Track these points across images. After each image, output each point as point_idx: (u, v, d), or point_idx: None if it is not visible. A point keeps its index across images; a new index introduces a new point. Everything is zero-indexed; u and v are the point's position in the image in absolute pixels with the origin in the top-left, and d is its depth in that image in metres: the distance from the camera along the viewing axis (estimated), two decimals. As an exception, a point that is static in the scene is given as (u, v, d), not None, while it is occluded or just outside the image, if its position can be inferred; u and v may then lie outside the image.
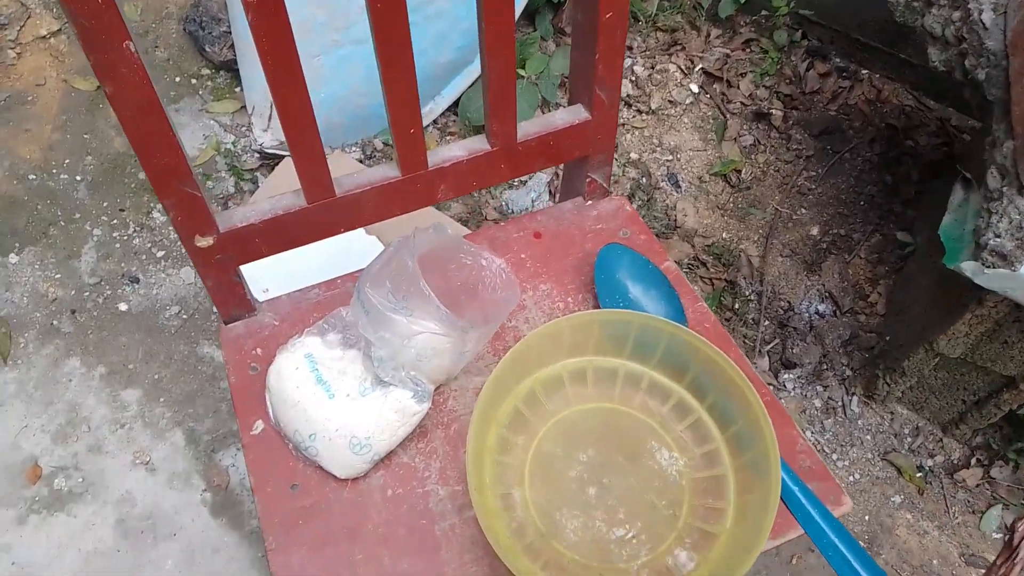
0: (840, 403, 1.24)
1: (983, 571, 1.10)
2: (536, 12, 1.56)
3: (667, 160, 1.47)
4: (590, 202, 0.81)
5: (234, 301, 0.70)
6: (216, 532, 1.07)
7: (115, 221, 1.34)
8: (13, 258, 1.29)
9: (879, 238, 1.38)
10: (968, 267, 0.89)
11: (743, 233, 1.40)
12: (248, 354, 0.69)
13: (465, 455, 0.57)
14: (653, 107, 1.53)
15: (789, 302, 1.32)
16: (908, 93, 1.55)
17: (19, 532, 1.06)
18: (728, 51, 1.60)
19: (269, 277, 1.15)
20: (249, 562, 1.05)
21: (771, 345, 1.29)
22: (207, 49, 1.49)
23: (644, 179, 1.44)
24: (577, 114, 0.72)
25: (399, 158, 0.66)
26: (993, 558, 1.12)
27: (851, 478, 1.18)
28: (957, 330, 1.04)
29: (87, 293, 1.26)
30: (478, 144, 0.70)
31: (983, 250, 0.86)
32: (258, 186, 1.38)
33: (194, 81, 1.53)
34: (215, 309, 0.76)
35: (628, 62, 1.58)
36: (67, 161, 1.41)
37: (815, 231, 1.40)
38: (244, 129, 1.46)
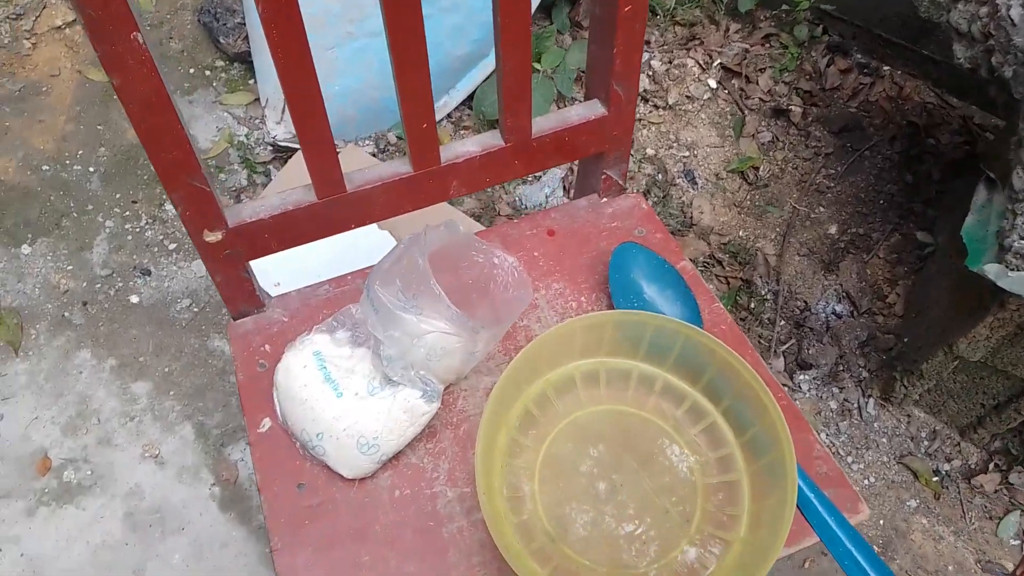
0: (856, 405, 1.22)
1: (1001, 579, 1.08)
2: (553, 5, 1.54)
3: (684, 156, 1.46)
4: (605, 199, 0.79)
5: (243, 297, 0.69)
6: (224, 527, 1.07)
7: (127, 213, 1.34)
8: (26, 249, 1.29)
9: (898, 238, 1.36)
10: (991, 269, 0.87)
11: (760, 231, 1.38)
12: (256, 350, 0.69)
13: (474, 457, 0.56)
14: (670, 102, 1.51)
15: (806, 302, 1.30)
16: (930, 90, 1.52)
17: (28, 524, 1.06)
18: (747, 46, 1.58)
19: (281, 270, 1.14)
20: (257, 557, 1.05)
21: (787, 345, 1.27)
22: (221, 41, 1.49)
23: (660, 175, 1.43)
24: (593, 109, 0.71)
25: (411, 154, 0.65)
26: (1010, 565, 1.10)
27: (866, 481, 1.17)
28: (978, 333, 1.02)
29: (99, 285, 1.26)
30: (492, 140, 0.68)
31: (1007, 252, 0.84)
32: (271, 179, 1.38)
33: (208, 73, 1.52)
34: (225, 304, 0.75)
35: (645, 56, 1.56)
36: (80, 152, 1.40)
37: (833, 230, 1.38)
38: (257, 121, 1.46)
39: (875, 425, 1.21)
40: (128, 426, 1.14)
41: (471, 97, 1.45)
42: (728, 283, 1.32)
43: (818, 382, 1.24)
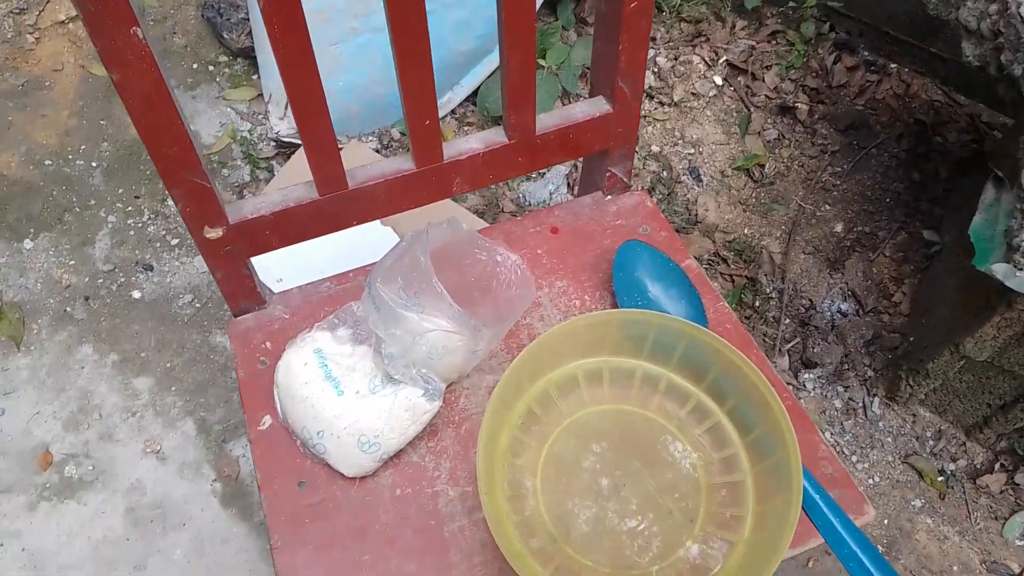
0: (861, 404, 1.22)
1: (1006, 580, 1.07)
2: (558, 1, 1.53)
3: (689, 154, 1.45)
4: (609, 197, 0.79)
5: (244, 293, 0.68)
6: (225, 523, 1.06)
7: (130, 208, 1.34)
8: (28, 244, 1.29)
9: (905, 236, 1.35)
10: (999, 269, 0.86)
11: (765, 229, 1.37)
12: (257, 347, 0.68)
13: (476, 456, 0.56)
14: (676, 99, 1.50)
15: (811, 300, 1.30)
16: (938, 88, 1.51)
17: (29, 519, 1.05)
18: (753, 43, 1.57)
19: (283, 266, 1.14)
20: (258, 553, 1.04)
21: (791, 344, 1.26)
22: (225, 36, 1.48)
23: (665, 172, 1.42)
24: (598, 106, 0.70)
25: (414, 150, 0.64)
26: (1016, 566, 1.10)
27: (870, 481, 1.16)
28: (985, 333, 1.01)
29: (101, 280, 1.26)
30: (495, 136, 0.68)
31: (1015, 252, 0.83)
32: (274, 175, 1.37)
33: (211, 68, 1.52)
34: (226, 300, 0.75)
35: (651, 53, 1.55)
36: (83, 147, 1.40)
37: (839, 228, 1.37)
38: (261, 117, 1.45)
39: (880, 424, 1.20)
40: (130, 421, 1.13)
41: (475, 93, 1.44)
42: (733, 281, 1.31)
43: (823, 381, 1.23)
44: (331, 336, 0.63)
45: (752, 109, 1.50)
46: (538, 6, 1.41)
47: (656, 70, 1.54)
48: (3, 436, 1.12)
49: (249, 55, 1.50)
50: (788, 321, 1.28)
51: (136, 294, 1.25)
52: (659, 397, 0.64)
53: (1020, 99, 0.88)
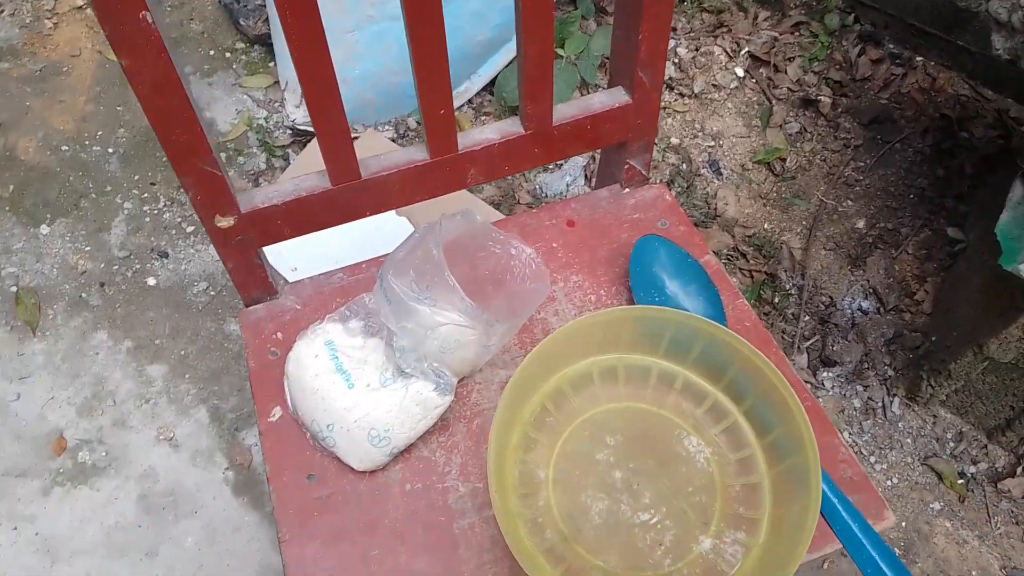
0: (881, 404, 1.20)
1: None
2: (577, -10, 1.51)
3: (709, 146, 1.43)
4: (627, 189, 0.77)
5: (255, 283, 0.68)
6: (237, 511, 1.06)
7: (146, 195, 1.34)
8: (44, 229, 1.29)
9: (928, 234, 1.33)
10: (1027, 269, 0.84)
11: (785, 224, 1.35)
12: (268, 338, 0.68)
13: (487, 453, 0.55)
14: (696, 91, 1.48)
15: (831, 297, 1.28)
16: (964, 82, 1.48)
17: (43, 504, 1.06)
18: (776, 34, 1.54)
19: (298, 255, 1.14)
20: (269, 542, 1.04)
21: (810, 342, 1.24)
22: (242, 23, 1.47)
23: (684, 165, 1.40)
24: (617, 97, 0.69)
25: (428, 140, 0.63)
26: (1038, 573, 1.08)
27: (889, 482, 1.14)
28: (1010, 334, 0.99)
29: (116, 267, 1.26)
30: (511, 127, 0.66)
31: (1044, 252, 0.81)
32: (290, 163, 1.37)
33: (228, 55, 1.51)
34: (238, 289, 0.74)
35: (671, 43, 1.53)
36: (100, 133, 1.40)
37: (861, 224, 1.35)
38: (277, 105, 1.44)
39: (900, 425, 1.18)
40: (143, 408, 1.13)
41: (492, 83, 1.43)
42: (752, 277, 1.30)
43: (842, 380, 1.21)
44: (342, 328, 0.62)
45: (774, 102, 1.47)
46: (558, -5, 1.39)
47: (677, 61, 1.52)
48: (18, 421, 1.12)
49: (266, 42, 1.49)
50: (807, 318, 1.26)
51: (151, 281, 1.25)
52: (675, 396, 0.63)
53: (1052, 94, 0.86)
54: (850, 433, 1.17)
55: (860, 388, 1.20)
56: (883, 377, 1.21)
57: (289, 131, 1.40)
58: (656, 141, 1.41)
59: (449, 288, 0.57)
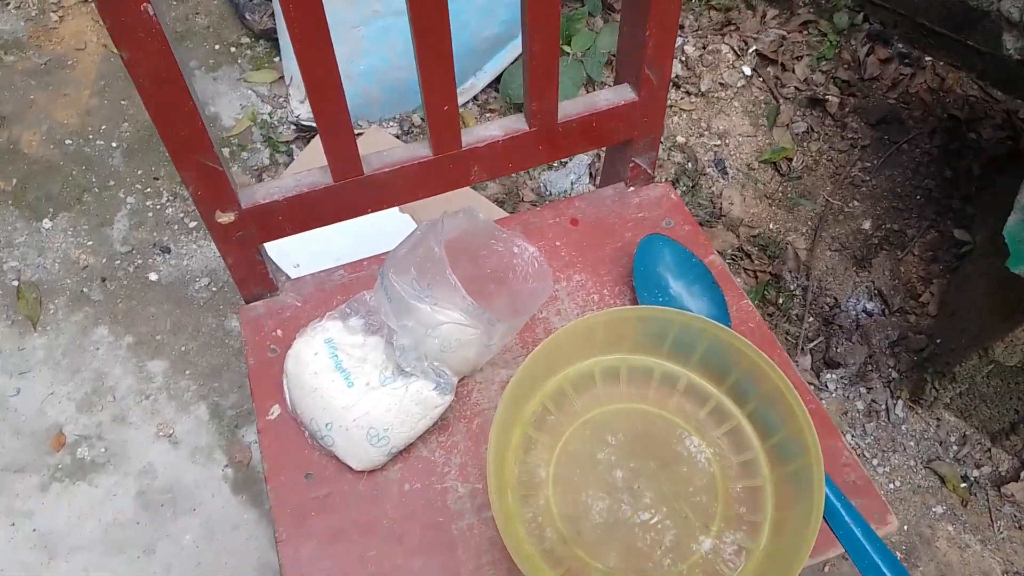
0: (884, 406, 1.19)
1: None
2: (584, -13, 1.51)
3: (715, 145, 1.42)
4: (632, 188, 0.76)
5: (255, 279, 0.67)
6: (236, 509, 1.06)
7: (149, 189, 1.33)
8: (47, 223, 1.29)
9: (935, 235, 1.32)
10: (1035, 272, 0.83)
11: (791, 224, 1.34)
12: (268, 335, 0.67)
13: (487, 453, 0.54)
14: (703, 89, 1.47)
15: (836, 299, 1.27)
16: (973, 83, 1.47)
17: (41, 499, 1.06)
18: (784, 33, 1.54)
19: (300, 252, 1.13)
20: (268, 541, 1.04)
21: (814, 343, 1.23)
22: (247, 17, 1.47)
23: (690, 164, 1.39)
24: (623, 94, 0.68)
25: (431, 136, 0.63)
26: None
27: (891, 485, 1.13)
28: (1016, 337, 0.98)
29: (118, 261, 1.26)
30: (516, 124, 0.66)
31: (1053, 255, 0.80)
32: (293, 159, 1.36)
33: (233, 49, 1.51)
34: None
35: (678, 41, 1.52)
36: (104, 127, 1.40)
37: (867, 225, 1.34)
38: (282, 100, 1.44)
39: (903, 428, 1.17)
40: (143, 404, 1.13)
41: (498, 80, 1.42)
42: (756, 277, 1.29)
43: (845, 381, 1.20)
44: (343, 326, 0.62)
45: (781, 101, 1.46)
46: (564, -8, 1.38)
47: (683, 59, 1.51)
48: (17, 416, 1.12)
49: (271, 37, 1.49)
50: (812, 319, 1.25)
51: (153, 276, 1.24)
52: (678, 397, 0.62)
53: (1062, 96, 0.85)
54: (853, 435, 1.16)
55: (863, 390, 1.20)
56: (887, 379, 1.20)
57: (293, 127, 1.40)
58: (661, 140, 1.40)
59: (450, 286, 0.56)
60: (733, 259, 1.30)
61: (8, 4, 1.54)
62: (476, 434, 0.63)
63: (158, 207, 1.31)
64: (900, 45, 1.52)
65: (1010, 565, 1.08)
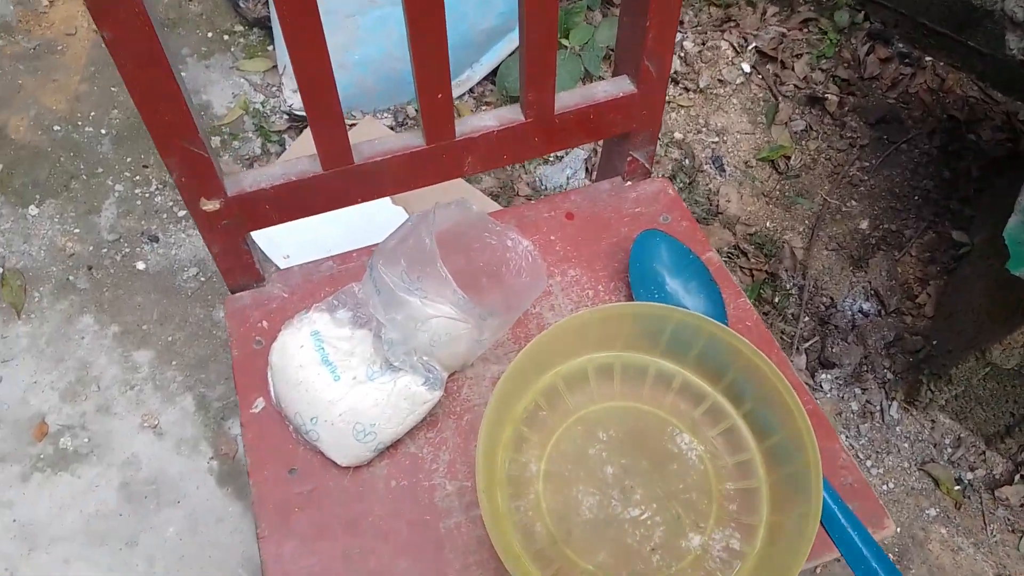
0: (879, 408, 1.18)
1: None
2: (583, -20, 1.49)
3: (712, 142, 1.41)
4: (629, 183, 0.75)
5: (241, 269, 0.65)
6: (221, 501, 1.04)
7: (137, 177, 1.31)
8: (33, 210, 1.27)
9: (932, 236, 1.31)
10: (1035, 275, 0.82)
11: (788, 223, 1.33)
12: (253, 327, 0.65)
13: (476, 451, 0.53)
14: (701, 85, 1.46)
15: (832, 298, 1.26)
16: (974, 83, 1.46)
17: (22, 489, 1.04)
18: (784, 30, 1.52)
19: (290, 242, 1.11)
20: (252, 534, 1.01)
21: (809, 343, 1.22)
22: (241, 5, 1.45)
23: (687, 161, 1.38)
24: (621, 86, 0.66)
25: (424, 125, 0.61)
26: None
27: (885, 487, 1.12)
28: (1014, 340, 0.97)
29: (105, 250, 1.24)
30: (511, 114, 0.64)
31: (1054, 257, 0.79)
32: (285, 148, 1.34)
33: (226, 37, 1.48)
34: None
35: (678, 37, 1.51)
36: (93, 114, 1.37)
37: (864, 225, 1.33)
38: (274, 89, 1.42)
39: (897, 429, 1.16)
40: (128, 395, 1.11)
41: (495, 72, 1.41)
42: (752, 275, 1.27)
43: (840, 382, 1.19)
44: (330, 318, 0.60)
45: (780, 98, 1.45)
46: (562, -16, 1.37)
47: (683, 54, 1.49)
48: None
49: (265, 25, 1.47)
50: (807, 319, 1.24)
51: (140, 265, 1.23)
52: (673, 396, 0.61)
53: (1066, 96, 0.84)
54: (847, 436, 1.15)
55: (858, 391, 1.19)
56: (882, 380, 1.19)
57: (286, 116, 1.38)
58: (659, 135, 1.38)
59: (441, 279, 0.55)
60: (729, 257, 1.29)
61: (-2, -13, 1.52)
62: (466, 431, 0.61)
63: (147, 195, 1.29)
64: (900, 44, 1.51)
65: (1003, 569, 1.07)
